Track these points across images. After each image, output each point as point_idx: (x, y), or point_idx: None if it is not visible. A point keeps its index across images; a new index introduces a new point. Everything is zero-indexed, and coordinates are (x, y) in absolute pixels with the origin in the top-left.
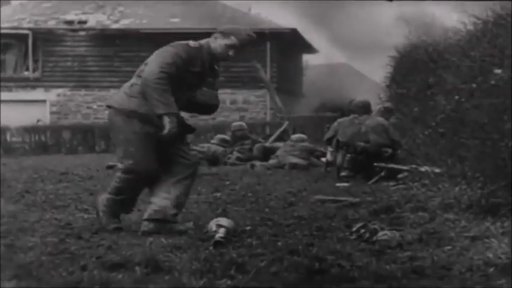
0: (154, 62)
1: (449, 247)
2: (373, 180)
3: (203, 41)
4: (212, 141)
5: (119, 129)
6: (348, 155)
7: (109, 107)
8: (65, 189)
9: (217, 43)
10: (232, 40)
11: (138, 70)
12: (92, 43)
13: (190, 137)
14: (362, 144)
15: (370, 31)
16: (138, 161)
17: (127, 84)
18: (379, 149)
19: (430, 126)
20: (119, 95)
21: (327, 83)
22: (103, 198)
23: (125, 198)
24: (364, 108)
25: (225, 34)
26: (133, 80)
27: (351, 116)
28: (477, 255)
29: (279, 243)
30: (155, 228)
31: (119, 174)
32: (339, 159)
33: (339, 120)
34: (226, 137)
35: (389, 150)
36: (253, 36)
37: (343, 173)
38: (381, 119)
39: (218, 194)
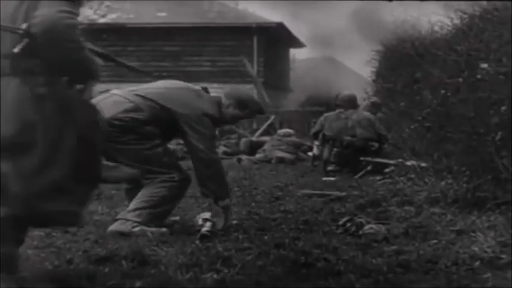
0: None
1: (435, 241)
2: (360, 174)
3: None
4: None
5: None
6: (335, 149)
7: None
8: None
9: (229, 111)
10: (246, 113)
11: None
12: None
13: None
14: (349, 138)
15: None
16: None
17: None
18: (365, 143)
19: (416, 120)
20: None
21: (314, 78)
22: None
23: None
24: (350, 102)
25: (241, 105)
26: None
27: (337, 111)
28: (463, 249)
29: (266, 237)
30: None
31: (163, 185)
32: (326, 153)
33: (326, 114)
34: None
35: (376, 144)
36: (264, 112)
37: (329, 167)
38: (367, 114)
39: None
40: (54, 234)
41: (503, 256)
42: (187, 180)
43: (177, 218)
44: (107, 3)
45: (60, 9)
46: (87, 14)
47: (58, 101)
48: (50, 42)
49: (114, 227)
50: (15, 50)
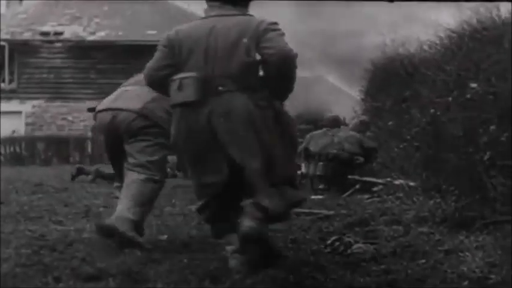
0: None
1: (423, 260)
2: (348, 192)
3: None
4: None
5: None
6: (320, 163)
7: None
8: (39, 201)
9: None
10: None
11: None
12: (67, 55)
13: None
14: (334, 151)
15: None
16: None
17: None
18: (351, 157)
19: (405, 139)
20: None
21: (303, 96)
22: None
23: None
24: (335, 122)
25: None
26: None
27: (324, 129)
28: (451, 268)
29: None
30: None
31: (149, 184)
32: (311, 169)
33: (312, 133)
34: None
35: (361, 159)
36: None
37: (319, 186)
38: (353, 132)
39: (193, 207)
40: (41, 252)
41: (492, 276)
42: (163, 183)
43: (165, 236)
44: (96, 20)
45: (286, 42)
46: (77, 31)
47: (274, 111)
48: (285, 69)
49: (116, 223)
50: (260, 73)
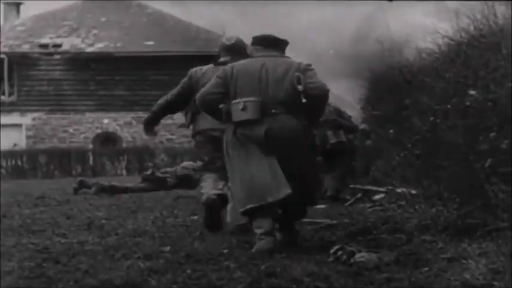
0: None
1: (426, 268)
2: (350, 201)
3: None
4: (182, 164)
5: None
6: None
7: None
8: (42, 214)
9: None
10: None
11: None
12: (66, 67)
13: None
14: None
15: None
16: None
17: None
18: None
19: (405, 147)
20: None
21: None
22: None
23: None
24: None
25: None
26: None
27: None
28: (454, 276)
29: (257, 266)
30: None
31: None
32: None
33: None
34: (194, 164)
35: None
36: None
37: (328, 193)
38: None
39: (195, 217)
40: (45, 265)
41: (495, 283)
42: None
43: (168, 248)
44: (94, 31)
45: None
46: (75, 42)
47: (311, 129)
48: (322, 101)
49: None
50: (303, 101)
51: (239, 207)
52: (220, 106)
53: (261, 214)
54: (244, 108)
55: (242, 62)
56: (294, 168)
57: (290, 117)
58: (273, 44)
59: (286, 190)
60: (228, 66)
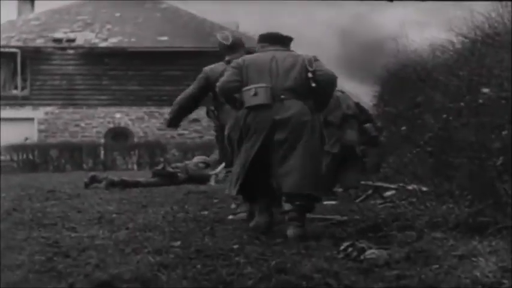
0: None
1: (436, 266)
2: (361, 198)
3: None
4: (193, 159)
5: None
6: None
7: None
8: (53, 207)
9: None
10: None
11: None
12: (80, 61)
13: (177, 154)
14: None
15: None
16: None
17: None
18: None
19: (418, 144)
20: None
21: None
22: None
23: None
24: None
25: None
26: None
27: None
28: (465, 274)
29: (267, 262)
30: None
31: None
32: None
33: None
34: (207, 158)
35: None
36: None
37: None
38: None
39: (206, 212)
40: (55, 258)
41: (505, 281)
42: None
43: (178, 242)
44: (108, 26)
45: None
46: (89, 37)
47: (318, 114)
48: (330, 87)
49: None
50: (313, 85)
51: (233, 187)
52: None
53: (259, 194)
54: (255, 94)
55: (252, 55)
56: (298, 150)
57: (298, 102)
58: (279, 40)
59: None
60: (239, 59)
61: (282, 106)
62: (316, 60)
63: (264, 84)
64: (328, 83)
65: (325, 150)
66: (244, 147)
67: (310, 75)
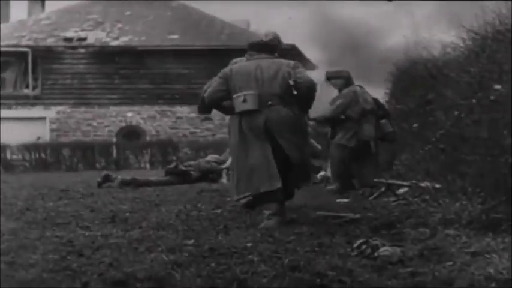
0: None
1: (450, 263)
2: (374, 195)
3: None
4: (206, 158)
5: None
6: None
7: None
8: (66, 207)
9: None
10: None
11: None
12: (91, 60)
13: (189, 152)
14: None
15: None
16: None
17: None
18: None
19: (430, 141)
20: None
21: (325, 99)
22: None
23: None
24: None
25: None
26: None
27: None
28: (478, 270)
29: (280, 260)
30: None
31: None
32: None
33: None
34: (219, 157)
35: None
36: None
37: (330, 187)
38: None
39: (219, 211)
40: (69, 257)
41: None
42: None
43: (192, 241)
44: (119, 25)
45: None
46: (100, 36)
47: (303, 118)
48: (310, 93)
49: None
50: (294, 92)
51: (236, 192)
52: (224, 103)
53: (268, 200)
54: (245, 100)
55: (238, 64)
56: (290, 150)
57: (284, 108)
58: (264, 48)
59: (277, 184)
60: (226, 69)
61: (270, 111)
62: (297, 66)
63: (252, 92)
64: (308, 89)
65: (342, 144)
66: (238, 157)
67: (291, 82)
